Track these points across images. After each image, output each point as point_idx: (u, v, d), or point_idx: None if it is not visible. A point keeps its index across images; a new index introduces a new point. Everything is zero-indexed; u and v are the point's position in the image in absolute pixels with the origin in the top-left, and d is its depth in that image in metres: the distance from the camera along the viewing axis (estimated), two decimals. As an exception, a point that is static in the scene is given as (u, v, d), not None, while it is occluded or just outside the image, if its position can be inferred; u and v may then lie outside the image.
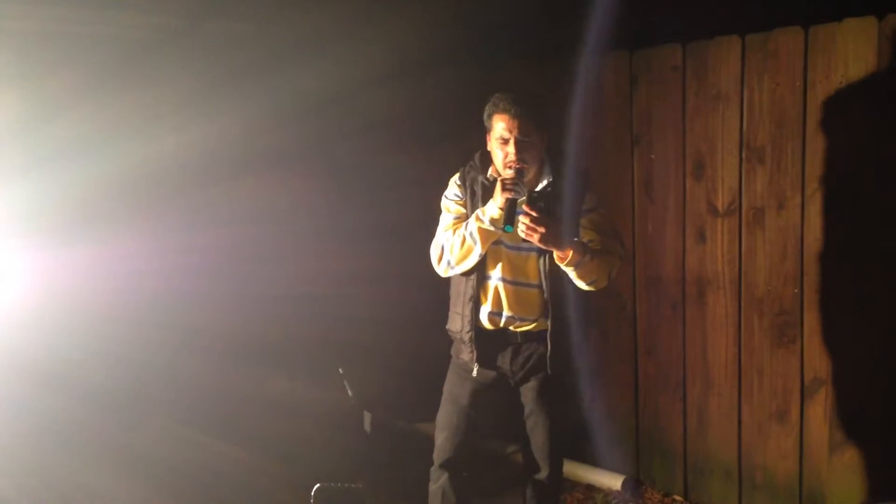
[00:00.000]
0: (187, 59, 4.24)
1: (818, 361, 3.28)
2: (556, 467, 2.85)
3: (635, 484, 3.88)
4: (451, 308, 2.80)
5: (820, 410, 3.29)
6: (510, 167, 2.54)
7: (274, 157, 4.58)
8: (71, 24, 4.00)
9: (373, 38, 4.31)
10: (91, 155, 4.08)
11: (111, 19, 4.08)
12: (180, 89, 4.36)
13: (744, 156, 3.41)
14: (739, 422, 3.53)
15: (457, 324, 2.76)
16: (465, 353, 2.75)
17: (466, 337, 2.71)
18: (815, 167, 3.22)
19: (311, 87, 4.30)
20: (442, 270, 2.72)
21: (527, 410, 2.79)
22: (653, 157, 3.71)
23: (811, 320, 3.29)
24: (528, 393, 2.76)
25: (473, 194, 2.68)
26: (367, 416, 4.27)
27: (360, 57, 4.29)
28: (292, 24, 4.37)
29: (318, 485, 2.71)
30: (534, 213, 2.44)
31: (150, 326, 4.30)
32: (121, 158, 4.13)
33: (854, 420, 3.22)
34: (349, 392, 3.82)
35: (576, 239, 2.54)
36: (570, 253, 2.48)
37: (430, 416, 2.91)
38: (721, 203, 3.50)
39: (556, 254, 2.51)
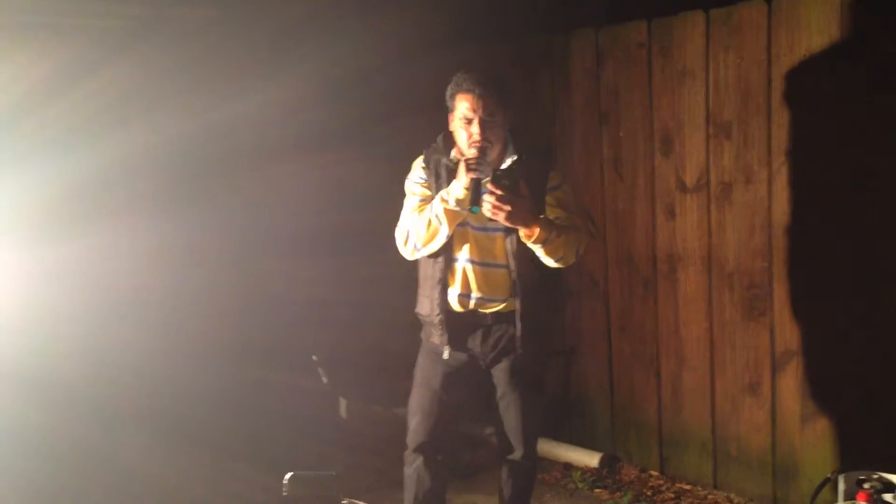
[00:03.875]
0: (155, 48, 4.16)
1: (789, 334, 3.31)
2: (530, 447, 2.85)
3: (612, 461, 3.91)
4: (420, 291, 2.78)
5: (791, 382, 3.32)
6: (474, 147, 2.52)
7: (251, 155, 4.53)
8: (38, 15, 3.91)
9: (347, 25, 4.26)
10: (58, 151, 4.00)
11: (77, 10, 3.99)
12: (149, 82, 4.28)
13: (710, 131, 3.42)
14: (713, 395, 3.57)
15: (426, 307, 2.74)
16: (435, 337, 2.74)
17: (436, 320, 2.69)
18: (780, 141, 3.23)
19: (285, 79, 4.25)
20: (408, 253, 2.70)
21: (499, 392, 2.78)
22: (621, 134, 3.72)
23: (781, 293, 3.31)
24: (499, 374, 2.76)
25: (438, 176, 2.66)
26: (343, 403, 4.27)
27: (337, 44, 4.24)
28: (263, 9, 4.30)
29: (290, 473, 2.69)
30: (499, 192, 2.42)
31: (127, 328, 4.25)
32: (88, 155, 4.04)
33: (825, 391, 3.26)
34: (324, 379, 3.81)
35: (542, 216, 2.53)
36: (537, 230, 2.47)
37: (407, 401, 2.90)
38: (689, 179, 3.51)
39: (522, 232, 2.50)
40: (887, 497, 2.63)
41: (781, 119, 3.22)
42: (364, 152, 4.44)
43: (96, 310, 4.16)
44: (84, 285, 4.11)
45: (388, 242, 2.78)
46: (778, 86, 3.21)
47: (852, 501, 2.69)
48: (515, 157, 2.61)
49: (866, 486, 2.67)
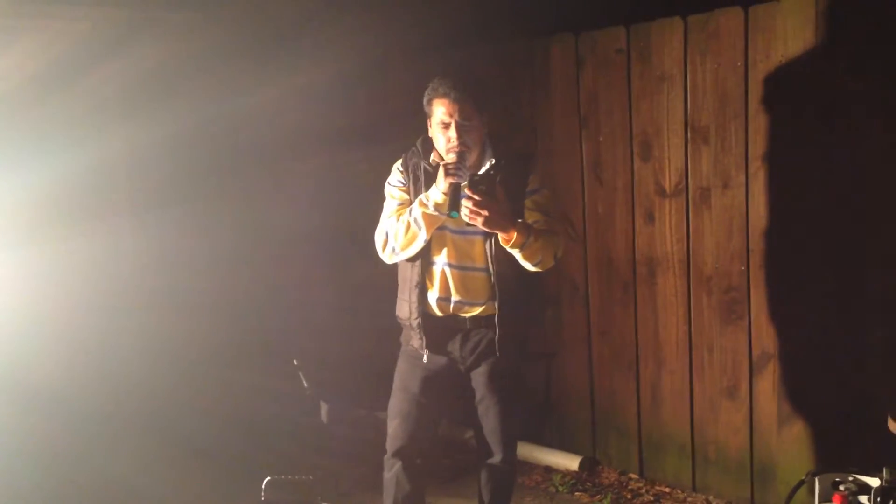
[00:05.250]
0: (141, 49, 4.14)
1: (766, 336, 3.34)
2: (509, 451, 2.85)
3: (592, 464, 3.92)
4: (399, 295, 2.78)
5: (768, 385, 3.35)
6: (452, 152, 2.53)
7: (241, 158, 4.52)
8: (18, 18, 3.88)
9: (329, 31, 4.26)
10: (34, 154, 3.98)
11: (56, 12, 3.96)
12: (132, 86, 4.26)
13: (689, 136, 3.45)
14: (691, 398, 3.59)
15: (404, 311, 2.74)
16: (414, 340, 2.74)
17: (415, 323, 2.70)
18: (757, 146, 3.26)
19: (270, 82, 4.24)
20: (387, 257, 2.70)
21: (478, 396, 2.78)
22: (601, 139, 3.74)
23: (758, 297, 3.34)
24: (478, 378, 2.76)
25: (416, 180, 2.67)
26: (324, 407, 4.25)
27: (320, 49, 4.23)
28: (246, 13, 4.29)
29: (268, 477, 2.69)
30: (476, 197, 2.42)
31: (112, 332, 4.23)
32: (76, 158, 4.03)
33: (801, 393, 3.29)
34: (304, 383, 3.80)
35: (519, 220, 2.54)
36: (514, 235, 2.48)
37: (387, 404, 2.89)
38: (668, 183, 3.54)
39: (500, 236, 2.51)
40: (862, 499, 2.66)
41: (758, 124, 3.25)
42: (351, 157, 4.44)
43: (82, 314, 4.14)
44: (69, 289, 4.10)
45: (372, 246, 2.77)
46: (755, 91, 3.24)
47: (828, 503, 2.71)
48: (493, 162, 2.62)
49: (842, 487, 2.69)
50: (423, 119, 2.70)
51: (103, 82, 4.17)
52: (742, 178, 3.31)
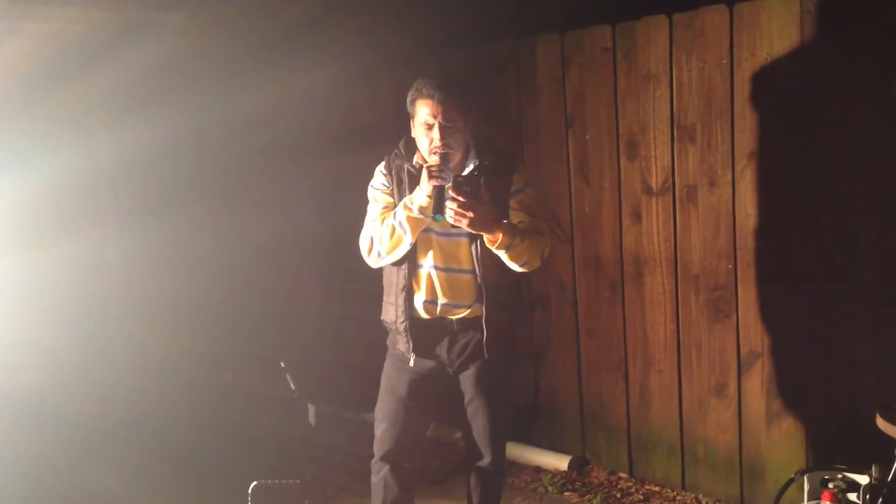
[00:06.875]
0: (126, 53, 4.09)
1: (753, 334, 3.34)
2: (498, 453, 2.84)
3: (581, 463, 3.92)
4: (385, 298, 2.76)
5: (757, 383, 3.35)
6: (435, 153, 2.52)
7: (225, 163, 4.48)
8: (8, 20, 3.84)
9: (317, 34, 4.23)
10: (23, 158, 3.94)
11: (49, 14, 3.92)
12: (117, 88, 4.21)
13: (675, 135, 3.44)
14: (680, 397, 3.58)
15: (391, 314, 2.72)
16: (401, 344, 2.72)
17: (401, 327, 2.68)
18: (743, 144, 3.26)
19: (257, 85, 4.21)
20: (372, 261, 2.68)
21: (466, 398, 2.76)
22: (587, 138, 3.73)
23: (745, 294, 3.34)
24: (466, 380, 2.74)
25: (400, 182, 2.65)
26: (311, 409, 4.22)
27: (307, 52, 4.20)
28: (231, 14, 4.25)
29: (255, 482, 2.67)
30: (461, 199, 2.41)
31: (96, 338, 4.19)
32: (56, 163, 3.97)
33: (789, 391, 3.29)
34: (292, 386, 3.77)
35: (505, 221, 2.53)
36: (500, 236, 2.47)
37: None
38: (655, 182, 3.53)
39: (486, 237, 2.50)
40: (851, 496, 2.67)
41: (744, 122, 3.25)
42: (338, 162, 4.41)
43: (67, 321, 4.10)
44: (54, 296, 4.05)
45: (358, 249, 2.74)
46: (740, 89, 3.24)
47: (817, 501, 2.72)
48: (477, 163, 2.61)
49: (831, 485, 2.70)
50: (407, 122, 2.68)
51: (95, 86, 4.12)
52: (728, 176, 3.31)
